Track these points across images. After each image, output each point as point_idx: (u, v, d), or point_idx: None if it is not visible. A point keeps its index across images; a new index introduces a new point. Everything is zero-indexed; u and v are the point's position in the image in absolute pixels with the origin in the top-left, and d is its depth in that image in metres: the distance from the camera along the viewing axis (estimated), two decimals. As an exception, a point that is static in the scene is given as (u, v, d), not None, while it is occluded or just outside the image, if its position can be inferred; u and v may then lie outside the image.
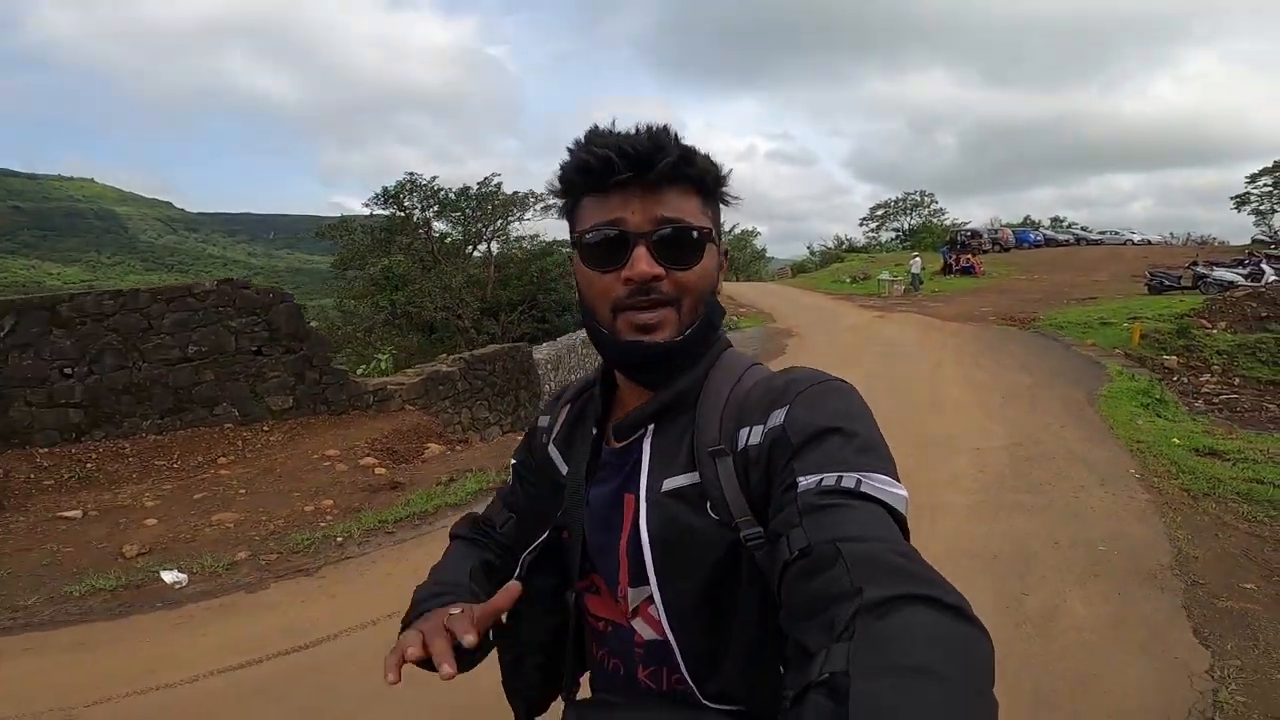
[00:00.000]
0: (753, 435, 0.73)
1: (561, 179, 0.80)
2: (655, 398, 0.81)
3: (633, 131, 0.76)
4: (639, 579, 0.78)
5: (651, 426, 0.81)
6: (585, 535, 0.84)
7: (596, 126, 0.78)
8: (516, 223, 23.17)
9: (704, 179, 0.79)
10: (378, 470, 6.59)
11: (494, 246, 24.14)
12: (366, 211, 23.88)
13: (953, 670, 0.46)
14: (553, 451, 0.93)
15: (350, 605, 3.88)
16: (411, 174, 22.57)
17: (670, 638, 0.75)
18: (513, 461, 1.04)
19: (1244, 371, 12.20)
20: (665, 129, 0.76)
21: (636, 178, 0.74)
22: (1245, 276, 17.87)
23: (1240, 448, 6.29)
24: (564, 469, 0.89)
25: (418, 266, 21.75)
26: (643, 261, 0.74)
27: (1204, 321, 14.12)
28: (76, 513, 5.46)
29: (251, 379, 7.66)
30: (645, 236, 0.75)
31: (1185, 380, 11.42)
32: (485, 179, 22.97)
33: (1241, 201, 41.72)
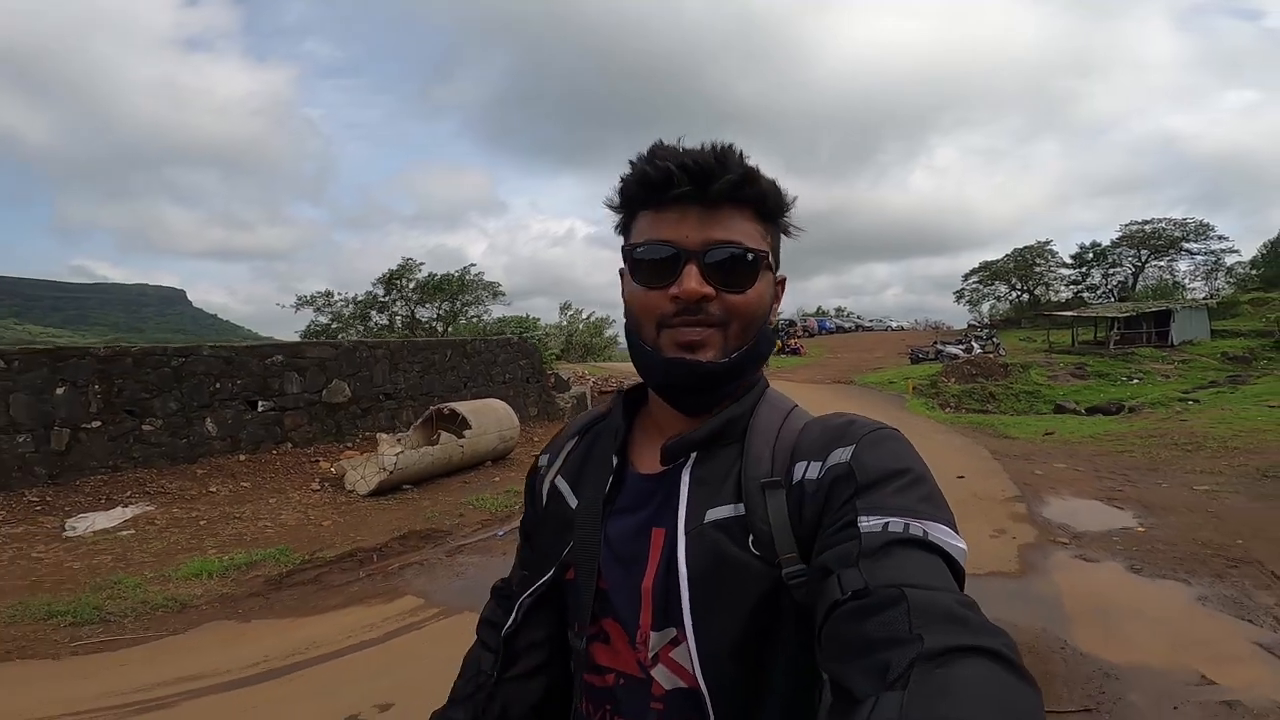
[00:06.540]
0: (810, 470, 0.72)
1: (621, 190, 0.79)
2: (705, 423, 0.78)
3: (697, 148, 0.74)
4: (664, 621, 0.74)
5: (693, 456, 0.77)
6: (601, 573, 0.78)
7: (661, 141, 0.76)
8: (486, 306, 29.07)
9: (765, 202, 0.77)
10: (620, 436, 13.35)
11: (450, 328, 29.73)
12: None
13: None
14: (560, 483, 0.88)
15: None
16: (407, 259, 27.60)
17: (702, 685, 0.70)
18: (519, 525, 0.97)
19: (966, 406, 22.53)
20: (730, 148, 0.75)
21: (695, 194, 0.73)
22: (963, 350, 29.36)
23: (964, 415, 15.81)
24: (574, 502, 0.84)
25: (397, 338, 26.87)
26: (692, 279, 0.73)
27: (944, 378, 24.59)
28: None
29: (522, 396, 13.95)
30: (697, 255, 0.73)
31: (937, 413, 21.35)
32: (465, 268, 28.84)
33: (959, 295, 51.88)
